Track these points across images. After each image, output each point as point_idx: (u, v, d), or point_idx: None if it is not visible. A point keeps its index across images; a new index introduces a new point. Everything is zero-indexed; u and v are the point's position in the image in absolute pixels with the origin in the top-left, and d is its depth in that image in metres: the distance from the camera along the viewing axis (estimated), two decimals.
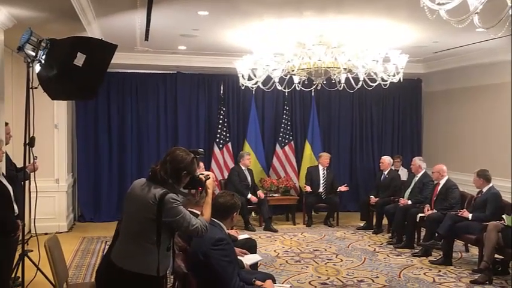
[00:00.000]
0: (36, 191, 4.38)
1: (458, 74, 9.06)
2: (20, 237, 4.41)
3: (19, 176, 4.74)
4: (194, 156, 3.01)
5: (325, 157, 8.92)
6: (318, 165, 8.94)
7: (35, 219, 4.47)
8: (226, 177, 8.83)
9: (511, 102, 7.40)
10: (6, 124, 5.15)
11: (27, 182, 4.73)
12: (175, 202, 2.83)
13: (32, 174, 4.66)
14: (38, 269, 4.69)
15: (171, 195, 2.83)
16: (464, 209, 6.42)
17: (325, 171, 8.85)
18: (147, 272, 2.83)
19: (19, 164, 4.94)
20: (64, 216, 7.91)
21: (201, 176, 3.06)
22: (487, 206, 6.17)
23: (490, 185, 6.32)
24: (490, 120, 8.20)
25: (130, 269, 2.84)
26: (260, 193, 8.54)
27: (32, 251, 4.70)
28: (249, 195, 8.31)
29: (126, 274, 2.84)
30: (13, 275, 4.54)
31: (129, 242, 2.91)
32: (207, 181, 3.06)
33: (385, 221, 7.96)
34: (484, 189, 6.33)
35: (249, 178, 8.61)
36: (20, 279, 4.58)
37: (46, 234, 4.48)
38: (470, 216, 6.22)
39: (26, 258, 4.60)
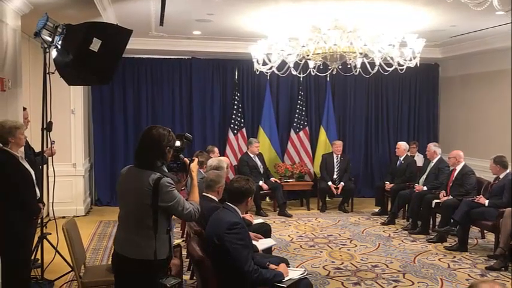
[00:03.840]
0: (54, 175, 4.47)
1: (476, 59, 8.92)
2: (39, 221, 4.50)
3: (37, 160, 4.83)
4: (180, 139, 3.05)
5: (338, 145, 8.90)
6: (332, 152, 8.92)
7: (53, 203, 4.56)
8: None
9: (511, 89, 7.48)
10: (24, 109, 5.22)
11: (45, 166, 4.81)
12: (170, 186, 2.85)
13: (50, 158, 4.75)
14: (57, 251, 4.80)
15: (166, 179, 2.84)
16: (481, 195, 6.36)
17: (339, 158, 8.84)
18: (146, 257, 2.84)
19: (37, 148, 5.02)
20: (81, 200, 8.04)
21: (185, 159, 3.10)
22: (503, 192, 6.11)
23: (507, 171, 6.25)
24: (508, 105, 8.07)
25: (131, 255, 2.87)
26: (274, 179, 8.58)
27: (50, 234, 4.80)
28: (261, 182, 8.33)
29: (128, 261, 2.88)
30: (32, 257, 4.64)
31: (128, 230, 2.94)
32: (191, 165, 3.09)
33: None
34: (501, 176, 6.26)
35: (259, 164, 8.62)
36: (39, 261, 4.70)
37: (64, 217, 4.55)
38: (486, 202, 6.16)
39: (44, 240, 4.70)
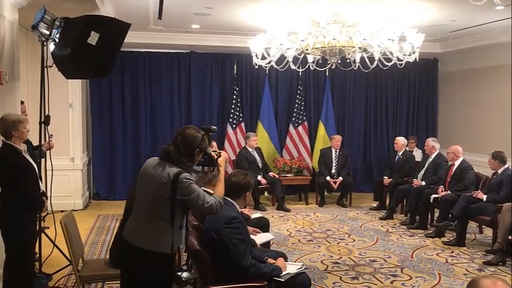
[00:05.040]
0: (52, 169, 4.46)
1: (475, 54, 8.90)
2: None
3: (35, 154, 4.81)
4: (206, 133, 3.05)
5: (337, 139, 8.90)
6: (330, 147, 8.92)
7: (51, 196, 4.54)
8: None
9: (511, 84, 7.55)
10: (22, 103, 5.20)
11: (43, 160, 4.79)
12: (189, 181, 2.86)
13: (48, 152, 4.73)
14: (55, 245, 4.79)
15: (185, 174, 2.86)
16: (479, 190, 6.37)
17: (337, 153, 8.84)
18: (161, 249, 2.86)
19: (34, 142, 5.00)
20: (79, 194, 8.04)
21: (213, 153, 3.08)
22: (502, 187, 6.11)
23: (506, 166, 6.25)
24: (507, 100, 8.06)
25: (144, 246, 2.88)
26: (272, 174, 8.59)
27: (48, 227, 4.80)
28: (259, 177, 8.32)
29: (139, 251, 2.88)
30: None
31: (143, 221, 2.94)
32: (219, 159, 3.09)
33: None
34: (500, 171, 6.27)
35: (258, 159, 8.61)
36: (37, 255, 4.69)
37: (62, 211, 4.55)
38: (484, 197, 6.17)
39: (42, 234, 4.70)
